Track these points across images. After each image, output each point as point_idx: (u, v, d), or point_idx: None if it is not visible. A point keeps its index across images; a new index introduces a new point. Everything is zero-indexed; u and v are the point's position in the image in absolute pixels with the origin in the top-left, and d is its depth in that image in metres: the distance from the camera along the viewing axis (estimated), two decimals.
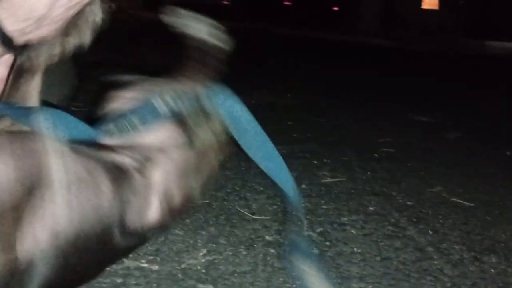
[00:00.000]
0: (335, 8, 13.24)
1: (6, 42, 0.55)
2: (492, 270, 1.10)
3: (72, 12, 0.57)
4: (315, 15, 12.84)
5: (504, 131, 2.76)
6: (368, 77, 4.88)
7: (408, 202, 1.47)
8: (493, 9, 13.67)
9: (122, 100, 0.82)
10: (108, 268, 0.93)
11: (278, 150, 1.90)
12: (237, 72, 4.44)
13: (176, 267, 0.97)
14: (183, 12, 0.84)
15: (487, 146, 2.29)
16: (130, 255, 0.98)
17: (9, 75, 0.61)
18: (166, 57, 4.68)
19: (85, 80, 2.79)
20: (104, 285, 0.89)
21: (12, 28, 0.53)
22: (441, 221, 1.35)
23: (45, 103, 1.22)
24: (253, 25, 10.94)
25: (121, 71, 1.03)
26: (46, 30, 0.57)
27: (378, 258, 1.10)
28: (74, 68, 2.75)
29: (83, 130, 0.72)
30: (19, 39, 0.55)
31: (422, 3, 16.34)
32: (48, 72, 2.15)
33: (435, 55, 8.51)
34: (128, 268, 0.94)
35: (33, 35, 0.55)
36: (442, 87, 4.64)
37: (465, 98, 3.95)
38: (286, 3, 13.22)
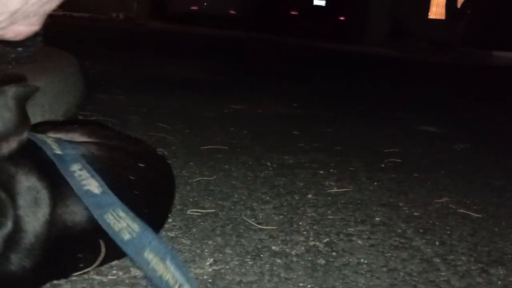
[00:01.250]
0: (342, 18, 13.27)
1: None
2: (499, 282, 1.09)
3: (48, 7, 0.55)
4: (322, 25, 12.87)
5: (511, 142, 2.75)
6: (375, 87, 4.88)
7: (415, 213, 1.46)
8: (500, 19, 13.65)
9: None
10: (114, 277, 0.94)
11: (284, 159, 1.92)
12: (243, 82, 4.49)
13: None
14: None
15: (494, 157, 2.28)
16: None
17: None
18: (172, 66, 4.71)
19: (94, 89, 2.83)
20: None
21: None
22: (448, 232, 1.34)
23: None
24: (260, 35, 10.98)
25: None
26: (20, 26, 0.54)
27: (384, 269, 1.10)
28: (82, 77, 2.78)
29: None
30: None
31: (429, 13, 16.35)
32: (57, 81, 2.17)
33: (442, 66, 8.50)
34: (135, 277, 0.95)
35: (6, 32, 0.53)
36: (450, 97, 4.63)
37: (473, 109, 3.94)
38: (293, 12, 13.25)
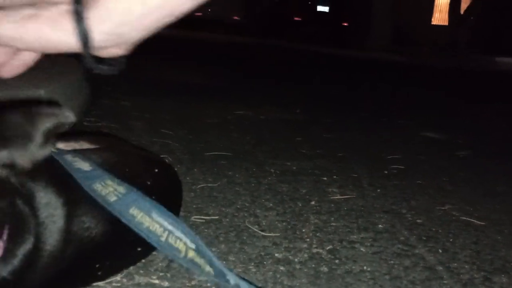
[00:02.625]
0: (345, 24, 13.31)
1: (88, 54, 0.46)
2: None
3: (166, 20, 0.49)
4: (325, 31, 12.91)
5: None
6: (378, 92, 4.88)
7: (418, 220, 1.46)
8: (503, 25, 13.66)
9: None
10: (118, 284, 0.94)
11: (287, 166, 1.93)
12: (246, 87, 4.50)
13: (187, 284, 0.98)
14: None
15: (498, 164, 2.29)
16: (141, 271, 0.99)
17: None
18: (176, 71, 4.73)
19: (99, 95, 2.84)
20: None
21: (100, 38, 0.45)
22: (451, 240, 1.34)
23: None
24: (263, 40, 11.01)
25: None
26: (116, 49, 0.49)
27: (387, 277, 1.10)
28: (87, 83, 2.80)
29: None
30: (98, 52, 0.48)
31: (432, 19, 16.37)
32: (62, 87, 2.18)
33: (446, 71, 8.50)
34: (139, 284, 0.95)
35: (102, 51, 0.48)
36: (453, 103, 4.63)
37: (476, 115, 3.94)
38: (297, 18, 13.30)
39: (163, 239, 0.82)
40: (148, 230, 0.82)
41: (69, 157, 0.90)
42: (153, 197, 0.97)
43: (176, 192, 1.20)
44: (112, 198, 0.85)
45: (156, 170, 1.07)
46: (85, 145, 1.08)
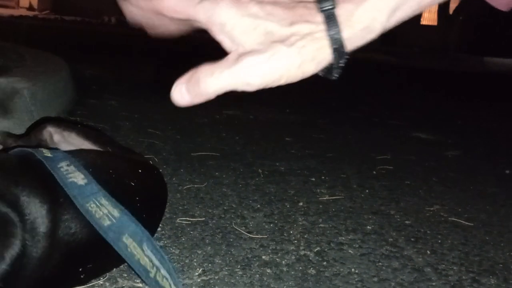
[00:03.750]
0: None
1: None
2: None
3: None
4: None
5: (503, 149, 2.75)
6: (368, 93, 4.89)
7: (407, 221, 1.45)
8: (491, 25, 13.76)
9: None
10: None
11: (276, 166, 1.91)
12: None
13: None
14: None
15: (486, 165, 2.29)
16: (124, 275, 0.97)
17: None
18: (165, 71, 4.70)
19: (85, 94, 2.80)
20: None
21: (350, 48, 0.44)
22: (440, 241, 1.33)
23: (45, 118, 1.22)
24: None
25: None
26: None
27: (375, 279, 1.09)
28: (73, 82, 2.76)
29: None
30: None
31: (421, 19, 16.44)
32: (46, 85, 2.15)
33: (435, 72, 8.53)
34: (122, 287, 0.93)
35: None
36: (442, 104, 4.65)
37: (465, 115, 3.95)
38: None
39: (151, 275, 0.83)
40: (139, 263, 0.83)
41: (64, 167, 0.88)
42: (137, 198, 0.95)
43: (160, 192, 1.17)
44: (106, 222, 0.84)
45: (140, 171, 1.05)
46: (72, 138, 1.06)
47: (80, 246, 0.86)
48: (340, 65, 0.45)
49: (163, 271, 0.84)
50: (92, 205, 0.85)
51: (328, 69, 0.46)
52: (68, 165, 0.89)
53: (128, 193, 0.98)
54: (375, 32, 0.45)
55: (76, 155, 0.95)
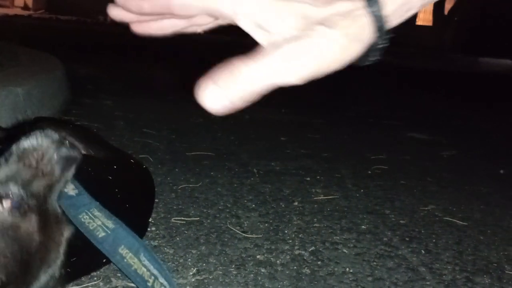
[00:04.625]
0: None
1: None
2: None
3: None
4: None
5: (498, 149, 2.76)
6: (363, 93, 4.89)
7: (401, 221, 1.45)
8: (486, 26, 13.80)
9: None
10: None
11: (271, 166, 1.91)
12: None
13: None
14: None
15: (481, 164, 2.29)
16: (118, 274, 0.96)
17: None
18: (160, 71, 4.69)
19: (80, 94, 2.79)
20: None
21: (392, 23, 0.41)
22: (434, 241, 1.34)
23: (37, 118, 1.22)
24: (249, 40, 10.98)
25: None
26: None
27: (370, 279, 1.09)
28: (67, 81, 2.75)
29: None
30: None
31: (417, 20, 16.48)
32: (40, 85, 2.14)
33: (430, 72, 8.56)
34: (116, 287, 0.93)
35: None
36: (436, 104, 4.66)
37: (459, 115, 3.96)
38: None
39: (149, 284, 0.83)
40: (136, 273, 0.83)
41: None
42: (118, 193, 0.95)
43: (147, 191, 1.17)
44: (101, 234, 0.84)
45: (124, 171, 1.05)
46: (63, 135, 1.06)
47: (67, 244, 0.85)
48: (381, 46, 0.41)
49: (161, 280, 0.84)
50: (85, 217, 0.85)
51: (365, 52, 0.42)
52: None
53: (109, 194, 0.97)
54: (415, 8, 0.42)
55: None
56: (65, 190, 0.86)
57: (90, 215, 0.85)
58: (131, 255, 0.84)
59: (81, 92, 2.85)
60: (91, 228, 0.84)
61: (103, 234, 0.84)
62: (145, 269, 0.84)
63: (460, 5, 13.28)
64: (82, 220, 0.84)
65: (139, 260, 0.84)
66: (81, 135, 1.15)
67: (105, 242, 0.84)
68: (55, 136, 0.75)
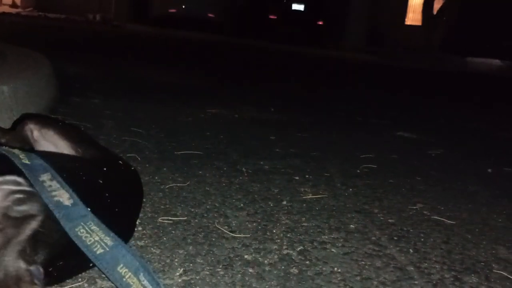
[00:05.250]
0: (320, 23, 13.34)
1: None
2: None
3: None
4: (300, 29, 12.91)
5: (485, 148, 2.78)
6: (352, 92, 4.91)
7: (390, 220, 1.45)
8: (474, 26, 13.89)
9: None
10: None
11: (260, 165, 1.90)
12: (220, 86, 4.46)
13: None
14: None
15: (469, 163, 2.30)
16: (103, 276, 0.95)
17: None
18: (149, 70, 4.67)
19: (68, 92, 2.77)
20: None
21: None
22: (422, 240, 1.34)
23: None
24: (238, 38, 10.97)
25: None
26: None
27: (358, 278, 1.08)
28: (55, 80, 2.72)
29: None
30: None
31: (406, 19, 16.55)
32: (27, 83, 2.11)
33: (418, 71, 8.60)
34: None
35: None
36: (425, 103, 4.68)
37: (448, 114, 3.98)
38: (272, 16, 13.27)
39: None
40: None
41: (46, 181, 0.85)
42: (106, 194, 0.94)
43: (135, 192, 1.15)
44: (99, 251, 0.82)
45: (111, 172, 1.03)
46: (50, 134, 1.05)
47: (52, 242, 0.83)
48: None
49: None
50: (81, 230, 0.83)
51: None
52: (50, 180, 0.86)
53: (96, 195, 0.96)
54: None
55: (49, 159, 0.93)
56: (60, 199, 0.84)
57: (87, 229, 0.83)
58: (131, 274, 0.82)
59: (69, 90, 2.82)
60: (88, 243, 0.82)
61: (101, 251, 0.82)
62: None
63: (449, 5, 13.36)
64: (79, 233, 0.82)
65: (139, 280, 0.82)
66: (69, 133, 1.13)
67: (103, 259, 0.82)
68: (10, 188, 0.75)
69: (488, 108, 4.86)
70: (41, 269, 0.79)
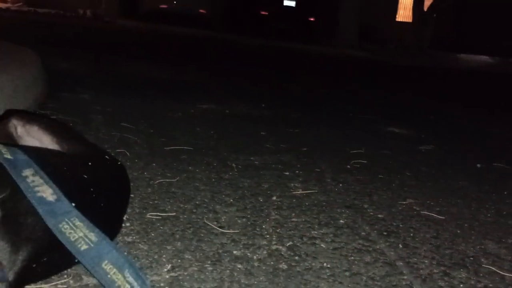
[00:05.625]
0: (312, 19, 13.32)
1: None
2: (461, 285, 1.09)
3: None
4: (292, 26, 12.90)
5: (475, 144, 2.79)
6: (342, 88, 4.91)
7: (379, 215, 1.45)
8: (465, 22, 13.96)
9: None
10: (65, 286, 0.89)
11: (250, 161, 1.89)
12: (211, 82, 4.45)
13: None
14: None
15: (459, 159, 2.31)
16: (89, 272, 0.94)
17: None
18: (140, 65, 4.64)
19: (57, 88, 2.74)
20: None
21: None
22: (412, 235, 1.34)
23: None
24: (229, 34, 10.93)
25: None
26: None
27: (347, 273, 1.08)
28: (44, 75, 2.69)
29: None
30: None
31: (397, 16, 16.59)
32: (14, 78, 2.09)
33: (409, 68, 8.63)
34: (87, 285, 0.90)
35: None
36: (416, 99, 4.69)
37: (438, 110, 3.99)
38: (263, 12, 13.24)
39: None
40: None
41: (29, 177, 0.84)
42: (91, 189, 0.92)
43: (122, 188, 1.14)
44: (83, 247, 0.81)
45: (96, 167, 1.02)
46: (35, 130, 1.03)
47: (35, 239, 0.82)
48: None
49: None
50: (65, 226, 0.82)
51: None
52: (33, 175, 0.85)
53: (83, 191, 0.95)
54: None
55: (33, 154, 0.92)
56: (43, 195, 0.83)
57: (71, 224, 0.82)
58: (115, 271, 0.81)
59: (59, 86, 2.79)
60: (72, 239, 0.81)
61: (85, 247, 0.81)
62: (129, 286, 0.81)
63: (439, 2, 13.41)
64: (63, 230, 0.81)
65: (123, 276, 0.81)
66: (54, 128, 1.12)
67: (87, 255, 0.81)
68: None
69: (478, 104, 4.88)
70: (5, 271, 0.78)
